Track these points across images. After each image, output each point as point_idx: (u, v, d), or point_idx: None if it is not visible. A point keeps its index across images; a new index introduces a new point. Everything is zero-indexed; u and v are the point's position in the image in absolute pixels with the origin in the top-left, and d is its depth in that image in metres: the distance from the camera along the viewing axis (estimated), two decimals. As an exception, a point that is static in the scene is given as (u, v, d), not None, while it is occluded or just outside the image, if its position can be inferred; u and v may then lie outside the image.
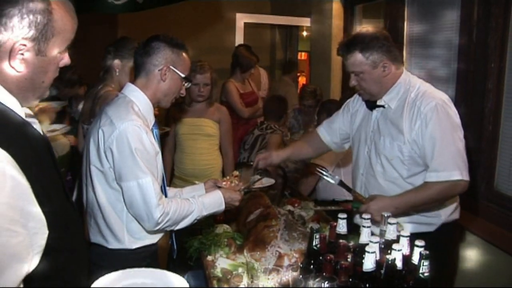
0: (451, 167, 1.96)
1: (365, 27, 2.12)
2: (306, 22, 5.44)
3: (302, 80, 7.55)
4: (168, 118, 3.42)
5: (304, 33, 6.73)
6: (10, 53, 1.08)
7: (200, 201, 1.94)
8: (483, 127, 2.72)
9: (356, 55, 2.04)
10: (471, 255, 2.76)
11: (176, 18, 5.84)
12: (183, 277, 2.30)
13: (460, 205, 2.25)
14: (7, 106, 1.09)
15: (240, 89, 4.44)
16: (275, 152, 2.55)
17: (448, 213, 2.16)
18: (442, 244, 2.09)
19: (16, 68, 1.09)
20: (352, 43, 2.06)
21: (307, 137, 2.68)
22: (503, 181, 2.69)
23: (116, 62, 2.75)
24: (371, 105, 2.22)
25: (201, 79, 3.18)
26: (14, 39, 1.07)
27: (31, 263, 1.02)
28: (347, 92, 4.48)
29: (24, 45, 1.08)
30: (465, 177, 1.98)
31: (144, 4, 3.37)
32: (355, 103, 2.39)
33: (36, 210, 1.02)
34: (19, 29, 1.07)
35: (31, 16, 1.07)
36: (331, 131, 2.48)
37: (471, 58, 2.80)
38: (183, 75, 1.97)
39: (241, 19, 5.61)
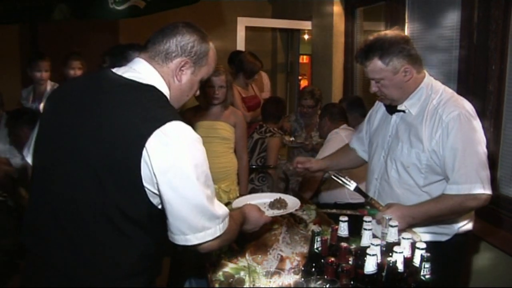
0: (473, 179, 1.84)
1: (384, 31, 1.99)
2: (307, 25, 5.45)
3: (304, 83, 7.57)
4: (183, 121, 3.40)
5: (306, 36, 6.74)
6: (178, 66, 1.48)
7: None
8: (484, 130, 2.71)
9: (375, 62, 1.94)
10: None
11: (177, 23, 5.86)
12: (186, 281, 2.32)
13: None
14: None
15: (242, 93, 4.44)
16: (315, 159, 2.50)
17: (462, 224, 2.05)
18: (453, 255, 2.03)
19: (177, 78, 1.49)
20: (370, 49, 1.95)
21: (343, 148, 2.60)
22: (505, 183, 2.69)
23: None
24: (391, 109, 2.13)
25: (216, 81, 3.16)
26: (184, 57, 1.48)
27: None
28: (348, 95, 4.52)
29: (188, 63, 1.49)
30: (487, 190, 1.86)
31: (146, 9, 3.39)
32: (376, 106, 2.33)
33: None
34: (189, 53, 1.49)
35: (198, 46, 1.50)
36: (359, 141, 2.43)
37: (471, 60, 2.81)
38: None
39: (242, 23, 5.61)
